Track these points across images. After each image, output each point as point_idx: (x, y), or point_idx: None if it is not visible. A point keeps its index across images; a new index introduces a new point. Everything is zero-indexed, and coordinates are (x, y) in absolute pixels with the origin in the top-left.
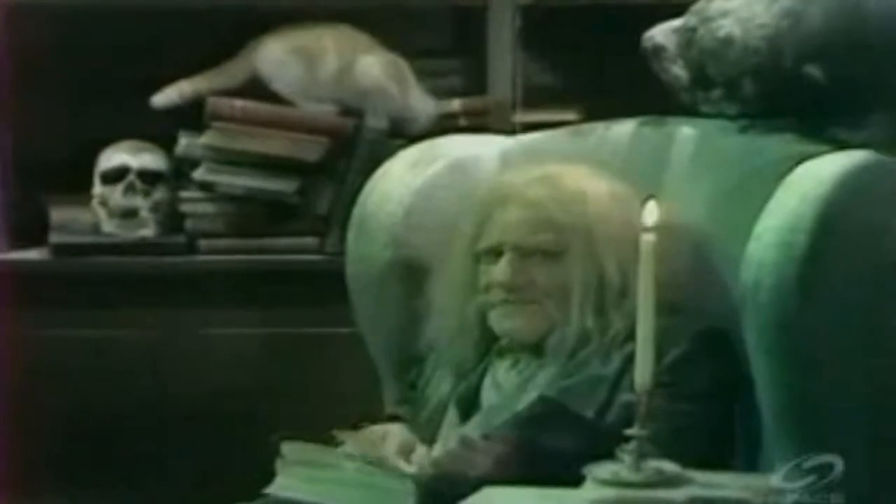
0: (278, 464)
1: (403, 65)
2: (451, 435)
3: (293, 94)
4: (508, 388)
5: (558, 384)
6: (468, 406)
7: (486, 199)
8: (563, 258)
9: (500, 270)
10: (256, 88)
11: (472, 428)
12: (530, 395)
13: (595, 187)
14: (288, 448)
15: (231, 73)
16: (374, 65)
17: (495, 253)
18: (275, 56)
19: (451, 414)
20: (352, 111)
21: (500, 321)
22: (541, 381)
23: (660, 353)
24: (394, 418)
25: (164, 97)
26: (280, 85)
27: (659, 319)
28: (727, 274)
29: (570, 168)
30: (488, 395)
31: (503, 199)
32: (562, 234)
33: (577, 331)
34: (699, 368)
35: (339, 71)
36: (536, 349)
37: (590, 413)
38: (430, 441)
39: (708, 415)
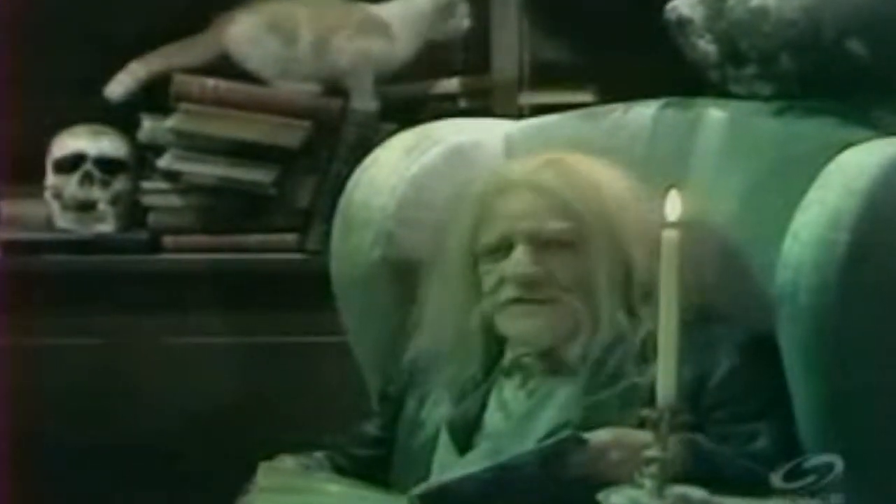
0: (253, 492)
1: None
2: (448, 462)
3: (270, 73)
4: (518, 410)
5: (582, 402)
6: (466, 430)
7: (484, 191)
8: (584, 249)
9: (513, 263)
10: (223, 69)
11: (479, 456)
12: (545, 419)
13: (609, 176)
14: (264, 474)
15: (194, 50)
16: (349, 39)
17: (504, 247)
18: (247, 32)
19: (444, 439)
20: (336, 91)
21: (513, 322)
22: (558, 402)
23: (708, 369)
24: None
25: (120, 86)
26: (255, 64)
27: (694, 329)
28: (762, 274)
29: (578, 156)
30: (493, 419)
31: (504, 187)
32: (581, 221)
33: (608, 329)
34: (756, 383)
35: (314, 46)
36: (552, 362)
37: (629, 423)
38: (424, 467)
39: (776, 433)
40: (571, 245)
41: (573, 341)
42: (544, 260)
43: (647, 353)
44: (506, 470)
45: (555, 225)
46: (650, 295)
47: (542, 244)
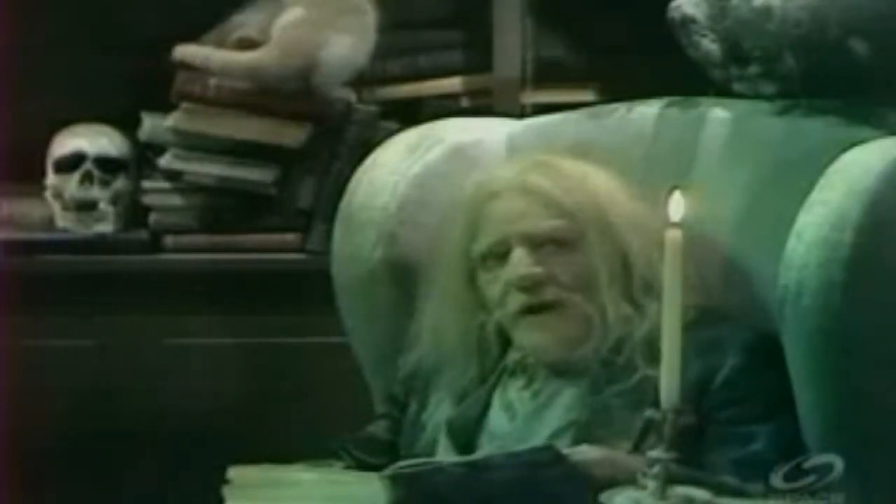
0: (226, 491)
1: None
2: None
3: (341, 83)
4: (523, 411)
5: (588, 402)
6: (466, 430)
7: (473, 199)
8: (580, 245)
9: (513, 267)
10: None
11: None
12: (551, 419)
13: (600, 176)
14: (235, 473)
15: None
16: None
17: (500, 253)
18: (341, 60)
19: (444, 443)
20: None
21: (528, 335)
22: (564, 402)
23: (712, 370)
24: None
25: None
26: (340, 78)
27: (698, 329)
28: (765, 274)
29: (564, 157)
30: (498, 420)
31: (493, 193)
32: (574, 218)
33: (617, 325)
34: (760, 384)
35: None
36: (558, 365)
37: (635, 424)
38: None
39: (780, 434)
40: (567, 243)
41: (585, 344)
42: (542, 260)
43: (654, 346)
44: (476, 469)
45: (549, 224)
46: (650, 286)
47: (538, 244)
